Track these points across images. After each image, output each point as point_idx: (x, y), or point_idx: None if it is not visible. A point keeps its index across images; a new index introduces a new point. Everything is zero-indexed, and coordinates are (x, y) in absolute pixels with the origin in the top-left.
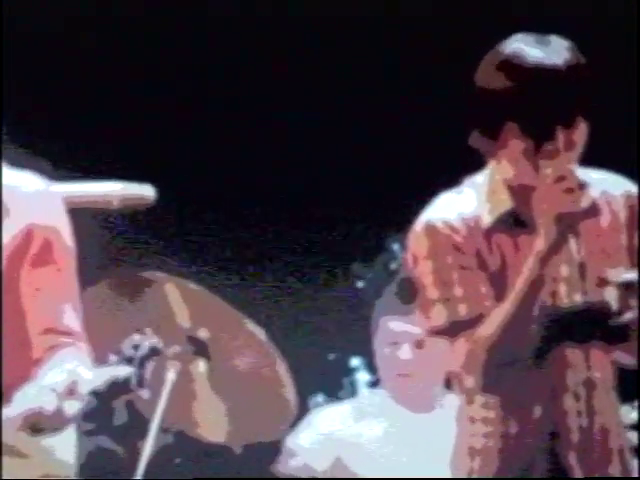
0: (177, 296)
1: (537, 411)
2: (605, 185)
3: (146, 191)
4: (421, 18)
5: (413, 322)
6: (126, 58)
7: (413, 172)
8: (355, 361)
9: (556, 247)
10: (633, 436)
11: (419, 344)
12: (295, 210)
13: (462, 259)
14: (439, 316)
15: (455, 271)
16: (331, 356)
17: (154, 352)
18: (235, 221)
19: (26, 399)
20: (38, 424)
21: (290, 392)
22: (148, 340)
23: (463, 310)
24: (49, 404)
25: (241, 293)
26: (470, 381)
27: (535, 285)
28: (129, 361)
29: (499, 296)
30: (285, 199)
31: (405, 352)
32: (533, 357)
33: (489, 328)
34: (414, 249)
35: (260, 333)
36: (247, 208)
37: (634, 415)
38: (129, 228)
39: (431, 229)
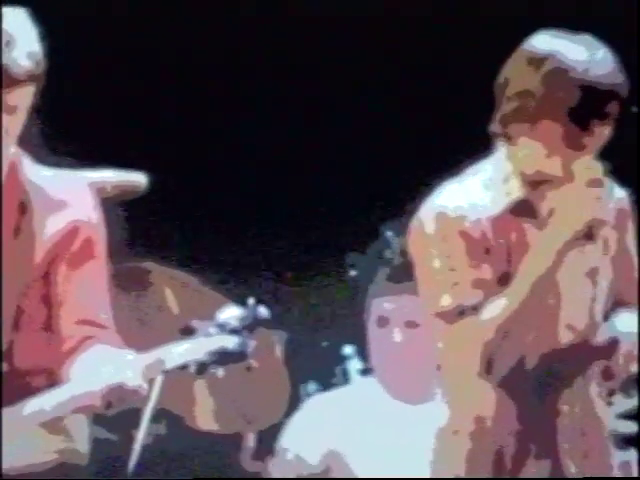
0: (170, 291)
1: (532, 423)
2: None
3: (139, 179)
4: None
5: (405, 302)
6: (120, 47)
7: (408, 160)
8: (348, 349)
9: (573, 247)
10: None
11: (410, 324)
12: (289, 198)
13: (469, 245)
14: (445, 300)
15: (462, 257)
16: (324, 344)
17: (261, 322)
18: (227, 209)
19: (102, 375)
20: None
21: (285, 377)
22: (254, 310)
23: (469, 295)
24: (131, 380)
25: (234, 281)
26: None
27: (548, 282)
28: (234, 332)
29: (503, 283)
30: (279, 187)
31: (397, 335)
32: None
33: (493, 313)
34: (421, 234)
35: None
36: (240, 196)
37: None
38: (121, 216)
39: (438, 215)
